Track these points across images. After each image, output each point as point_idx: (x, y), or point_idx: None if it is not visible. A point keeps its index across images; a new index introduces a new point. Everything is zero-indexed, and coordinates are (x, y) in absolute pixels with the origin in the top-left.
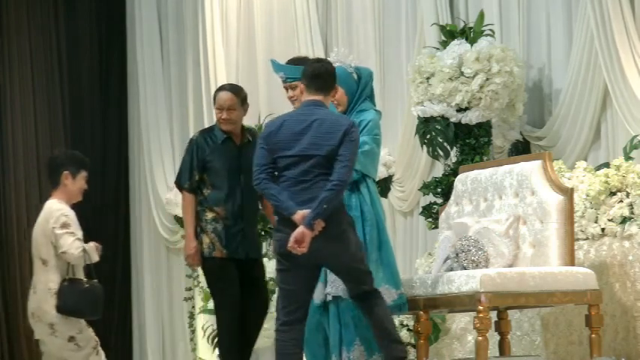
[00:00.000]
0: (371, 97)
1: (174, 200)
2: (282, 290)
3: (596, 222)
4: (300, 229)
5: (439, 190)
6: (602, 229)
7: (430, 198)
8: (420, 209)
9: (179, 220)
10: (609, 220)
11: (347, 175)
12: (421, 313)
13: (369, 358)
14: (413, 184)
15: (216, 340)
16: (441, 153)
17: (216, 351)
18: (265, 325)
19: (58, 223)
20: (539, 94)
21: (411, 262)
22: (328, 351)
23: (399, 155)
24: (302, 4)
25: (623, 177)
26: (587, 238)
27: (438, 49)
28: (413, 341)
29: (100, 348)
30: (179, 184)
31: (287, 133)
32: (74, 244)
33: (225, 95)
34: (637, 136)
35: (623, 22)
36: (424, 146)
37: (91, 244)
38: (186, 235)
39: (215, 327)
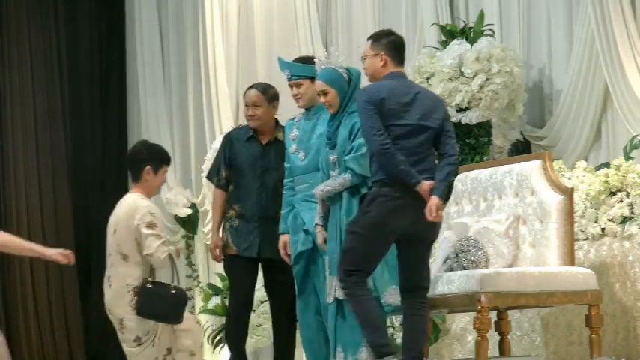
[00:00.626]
0: None
1: (174, 200)
2: (355, 251)
3: (596, 222)
4: (436, 199)
5: None
6: (602, 229)
7: None
8: None
9: (179, 220)
10: (609, 220)
11: (457, 151)
12: None
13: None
14: None
15: (216, 339)
16: None
17: (217, 350)
18: (265, 325)
19: (144, 222)
20: (540, 94)
21: None
22: (329, 351)
23: None
24: (302, 4)
25: (623, 177)
26: (587, 238)
27: (438, 49)
28: None
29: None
30: (209, 179)
31: (396, 103)
32: (160, 248)
33: (251, 92)
34: (637, 136)
35: (624, 23)
36: None
37: (172, 247)
38: (211, 230)
39: (215, 327)
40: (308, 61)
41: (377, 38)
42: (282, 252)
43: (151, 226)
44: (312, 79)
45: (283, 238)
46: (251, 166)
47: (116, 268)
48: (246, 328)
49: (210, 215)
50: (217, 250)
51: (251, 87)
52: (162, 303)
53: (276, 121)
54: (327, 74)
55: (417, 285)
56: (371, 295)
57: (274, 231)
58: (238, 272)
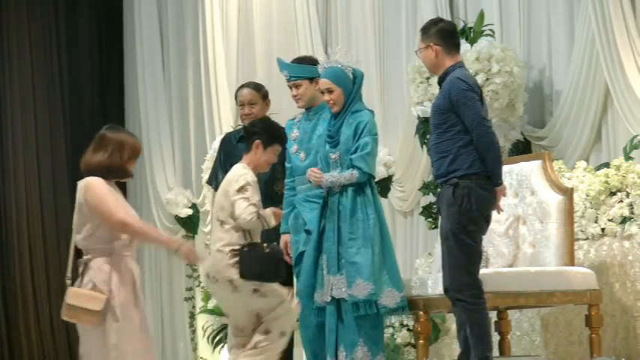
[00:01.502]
0: (361, 98)
1: (174, 200)
2: (480, 254)
3: (596, 222)
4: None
5: (439, 190)
6: (602, 229)
7: (430, 198)
8: (420, 209)
9: (179, 220)
10: (609, 220)
11: None
12: (421, 313)
13: (373, 358)
14: (413, 184)
15: (216, 339)
16: None
17: (217, 350)
18: None
19: (236, 187)
20: (540, 94)
21: (411, 262)
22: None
23: (399, 155)
24: (302, 5)
25: (623, 177)
26: (587, 238)
27: None
28: (413, 341)
29: (290, 299)
30: (209, 184)
31: (479, 95)
32: (247, 209)
33: (245, 91)
34: (637, 136)
35: (624, 23)
36: (424, 146)
37: (268, 210)
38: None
39: (215, 327)
40: (307, 61)
41: (425, 29)
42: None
43: (240, 190)
44: (312, 79)
45: (284, 238)
46: None
47: (215, 234)
48: None
49: (210, 216)
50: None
51: (243, 86)
52: (258, 264)
53: None
54: (332, 72)
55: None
56: None
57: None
58: None
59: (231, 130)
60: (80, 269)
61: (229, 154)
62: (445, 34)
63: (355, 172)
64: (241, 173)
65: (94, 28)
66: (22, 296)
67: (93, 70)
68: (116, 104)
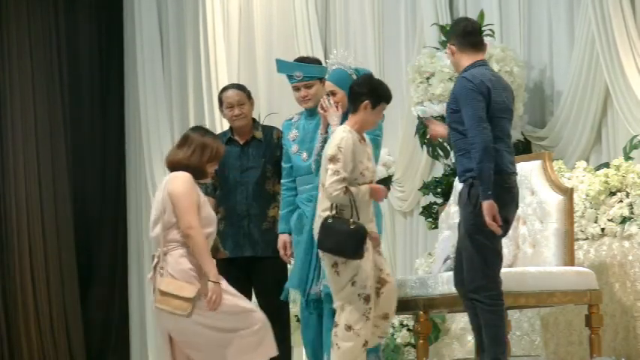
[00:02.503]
0: None
1: None
2: (498, 254)
3: (596, 222)
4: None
5: (439, 190)
6: (602, 229)
7: (430, 198)
8: (420, 209)
9: None
10: (609, 220)
11: None
12: (421, 313)
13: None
14: (413, 184)
15: None
16: (440, 153)
17: None
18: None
19: (329, 154)
20: (541, 94)
21: (411, 262)
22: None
23: (399, 155)
24: (301, 5)
25: (622, 177)
26: (587, 238)
27: (438, 49)
28: (413, 341)
29: (373, 295)
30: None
31: (498, 95)
32: (333, 185)
33: (232, 92)
34: (637, 136)
35: (624, 23)
36: (424, 146)
37: (365, 187)
38: None
39: None
40: (316, 61)
41: (448, 30)
42: (281, 252)
43: (332, 159)
44: (322, 79)
45: (283, 238)
46: (231, 168)
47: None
48: None
49: None
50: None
51: (227, 88)
52: (338, 238)
53: (254, 120)
54: (336, 75)
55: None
56: None
57: (259, 229)
58: (230, 277)
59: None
60: (155, 261)
61: None
62: (461, 33)
63: None
64: (340, 138)
65: (94, 28)
66: (22, 296)
67: (93, 69)
68: (116, 104)
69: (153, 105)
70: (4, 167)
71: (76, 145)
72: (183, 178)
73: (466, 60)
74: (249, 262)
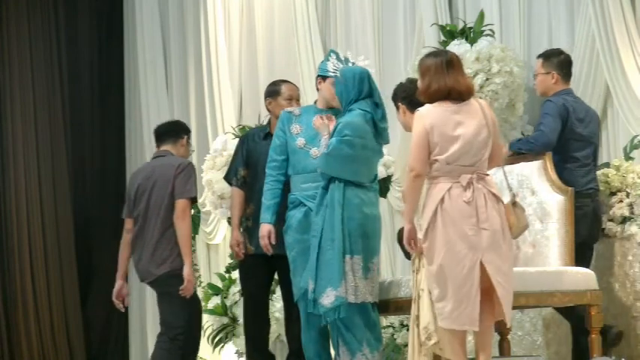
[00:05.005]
0: (367, 96)
1: None
2: None
3: None
4: None
5: None
6: (602, 229)
7: None
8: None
9: None
10: (609, 220)
11: None
12: None
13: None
14: None
15: (216, 339)
16: None
17: (217, 351)
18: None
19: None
20: None
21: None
22: (329, 352)
23: (399, 155)
24: (301, 4)
25: (623, 177)
26: None
27: (437, 49)
28: None
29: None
30: (226, 179)
31: (576, 118)
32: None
33: (294, 86)
34: (637, 136)
35: (624, 23)
36: None
37: None
38: (232, 228)
39: (215, 327)
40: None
41: (547, 57)
42: (264, 242)
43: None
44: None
45: (267, 228)
46: (264, 165)
47: None
48: (266, 325)
49: (212, 215)
50: (239, 247)
51: (285, 81)
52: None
53: None
54: (336, 78)
55: None
56: None
57: None
58: (252, 273)
59: (235, 126)
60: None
61: (252, 150)
62: (566, 65)
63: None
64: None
65: (94, 28)
66: (22, 296)
67: (93, 69)
68: (117, 104)
69: (154, 105)
70: (4, 167)
71: (76, 144)
72: None
73: (558, 88)
74: (275, 259)
